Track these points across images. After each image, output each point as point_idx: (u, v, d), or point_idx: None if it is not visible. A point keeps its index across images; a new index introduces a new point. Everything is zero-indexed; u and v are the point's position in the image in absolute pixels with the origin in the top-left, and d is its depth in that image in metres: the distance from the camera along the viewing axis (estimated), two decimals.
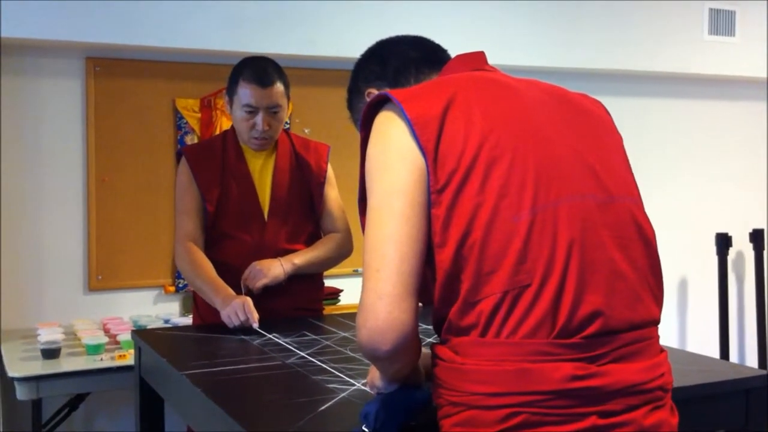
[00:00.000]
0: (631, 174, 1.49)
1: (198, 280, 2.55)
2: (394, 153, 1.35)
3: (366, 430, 1.35)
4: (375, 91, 1.63)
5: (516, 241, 1.28)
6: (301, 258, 2.65)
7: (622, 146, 1.53)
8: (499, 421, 1.25)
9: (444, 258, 1.31)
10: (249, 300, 2.41)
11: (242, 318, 2.37)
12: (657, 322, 1.39)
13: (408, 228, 1.30)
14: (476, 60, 1.58)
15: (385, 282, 1.28)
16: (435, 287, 1.35)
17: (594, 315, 1.28)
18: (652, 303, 1.38)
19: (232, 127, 2.71)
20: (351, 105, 1.75)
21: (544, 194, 1.32)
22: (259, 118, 2.59)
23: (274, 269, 2.58)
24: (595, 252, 1.32)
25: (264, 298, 2.54)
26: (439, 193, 1.32)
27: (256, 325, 2.35)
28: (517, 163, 1.33)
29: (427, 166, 1.33)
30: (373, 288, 1.28)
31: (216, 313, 2.48)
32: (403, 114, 1.36)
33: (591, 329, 1.28)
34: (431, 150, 1.33)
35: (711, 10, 4.86)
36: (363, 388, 1.71)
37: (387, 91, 1.42)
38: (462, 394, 1.30)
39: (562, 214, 1.31)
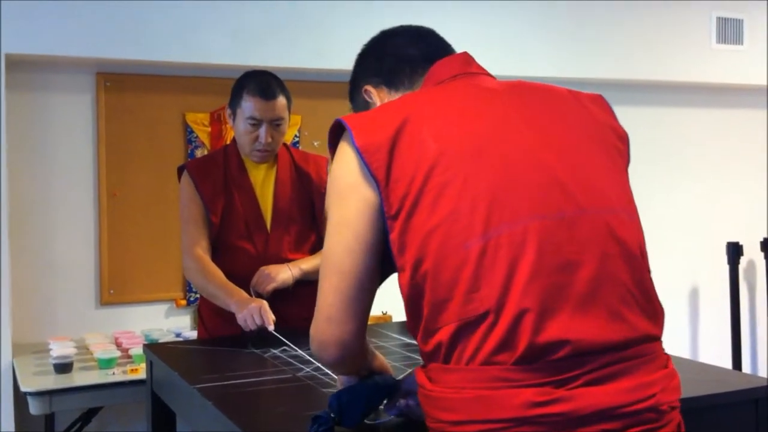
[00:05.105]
0: (617, 182, 1.40)
1: (210, 287, 2.56)
2: (347, 184, 1.37)
3: (332, 414, 1.49)
4: (371, 88, 1.60)
5: (467, 268, 1.25)
6: (308, 264, 2.67)
7: (614, 151, 1.44)
8: None
9: (403, 283, 1.33)
10: (265, 303, 2.42)
11: (258, 322, 2.38)
12: (651, 338, 1.32)
13: (350, 260, 1.35)
14: (459, 64, 1.53)
15: (331, 306, 1.37)
16: (405, 310, 1.37)
17: (560, 342, 1.23)
18: (640, 318, 1.30)
19: (233, 140, 2.74)
20: (352, 98, 1.70)
21: (498, 217, 1.27)
22: (262, 131, 2.62)
23: (283, 273, 2.61)
24: (558, 274, 1.25)
25: (274, 304, 2.53)
26: (393, 219, 1.32)
27: (271, 328, 2.36)
28: (469, 186, 1.29)
29: (380, 193, 1.32)
30: (322, 308, 1.38)
31: (224, 325, 2.49)
32: (352, 142, 1.36)
33: (558, 355, 1.23)
34: (383, 177, 1.32)
35: (719, 18, 4.85)
36: None
37: (342, 118, 1.41)
38: (434, 420, 1.30)
39: (518, 237, 1.26)
